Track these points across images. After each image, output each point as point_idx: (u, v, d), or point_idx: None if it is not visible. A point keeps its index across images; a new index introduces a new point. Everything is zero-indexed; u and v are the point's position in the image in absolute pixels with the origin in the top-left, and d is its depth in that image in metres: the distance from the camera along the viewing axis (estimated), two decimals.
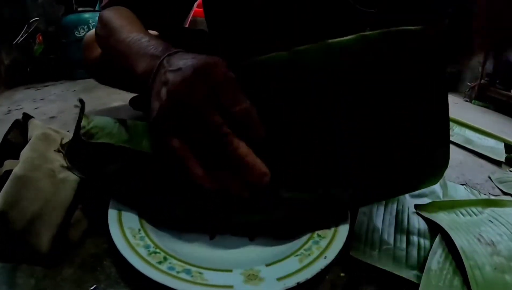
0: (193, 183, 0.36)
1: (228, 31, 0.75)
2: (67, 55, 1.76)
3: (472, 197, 0.71)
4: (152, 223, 0.45)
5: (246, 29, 0.71)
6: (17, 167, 0.43)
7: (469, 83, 2.45)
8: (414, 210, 0.58)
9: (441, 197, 0.66)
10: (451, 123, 1.32)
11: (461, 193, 0.71)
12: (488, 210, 0.64)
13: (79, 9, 1.74)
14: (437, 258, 0.46)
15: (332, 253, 0.39)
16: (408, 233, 0.51)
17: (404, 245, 0.48)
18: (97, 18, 1.66)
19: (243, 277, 0.36)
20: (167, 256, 0.39)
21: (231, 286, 0.35)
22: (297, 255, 0.39)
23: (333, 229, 0.43)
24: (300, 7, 0.63)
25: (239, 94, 0.37)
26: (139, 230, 0.43)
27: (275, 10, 0.65)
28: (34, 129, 0.50)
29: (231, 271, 0.37)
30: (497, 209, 0.66)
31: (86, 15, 1.71)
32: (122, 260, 0.38)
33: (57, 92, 1.49)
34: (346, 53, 0.36)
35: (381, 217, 0.54)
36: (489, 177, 0.87)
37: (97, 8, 1.79)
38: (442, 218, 0.56)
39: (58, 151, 0.48)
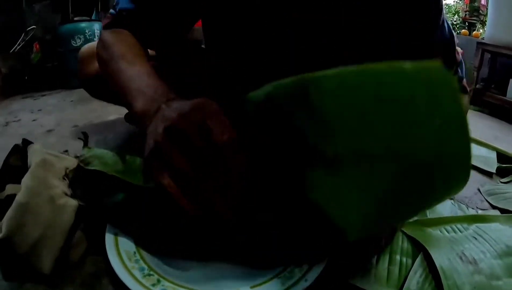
0: (181, 211, 0.40)
1: (225, 47, 0.78)
2: (63, 64, 1.81)
3: (459, 212, 0.75)
4: (146, 249, 0.49)
5: (242, 46, 0.74)
6: (19, 195, 0.47)
7: None
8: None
9: (427, 214, 0.70)
10: None
11: (447, 208, 0.75)
12: (474, 227, 0.68)
13: (75, 18, 1.79)
14: (416, 278, 0.50)
15: (312, 276, 0.43)
16: (391, 252, 0.55)
17: (386, 265, 0.52)
18: (93, 27, 1.71)
19: None
20: (160, 279, 0.44)
21: None
22: (280, 277, 0.44)
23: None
24: (295, 29, 0.67)
25: (227, 125, 0.42)
26: (134, 253, 0.48)
27: (271, 30, 0.68)
28: (34, 155, 0.54)
29: None
30: (483, 225, 0.70)
31: (82, 24, 1.77)
32: (119, 280, 0.43)
33: (54, 102, 1.53)
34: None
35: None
36: (479, 190, 0.92)
37: (93, 17, 1.85)
38: (426, 236, 0.60)
39: (63, 179, 0.52)
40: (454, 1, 3.45)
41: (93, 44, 0.91)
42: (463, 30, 2.93)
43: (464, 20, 3.12)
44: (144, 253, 0.48)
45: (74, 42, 1.74)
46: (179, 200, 0.40)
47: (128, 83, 0.53)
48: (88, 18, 1.82)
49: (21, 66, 1.91)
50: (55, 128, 1.13)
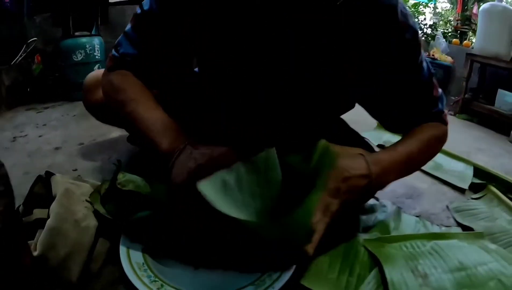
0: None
1: (217, 75, 0.85)
2: (65, 78, 1.94)
3: (422, 230, 0.88)
4: (152, 255, 0.64)
5: (233, 75, 0.80)
6: (50, 220, 0.61)
7: (453, 98, 2.64)
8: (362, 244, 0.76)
9: (391, 230, 0.83)
10: None
11: (411, 226, 0.88)
12: (432, 243, 0.80)
13: (76, 33, 1.92)
14: (369, 287, 0.64)
15: (279, 283, 0.58)
16: (352, 264, 0.69)
17: (346, 276, 0.66)
18: (93, 42, 1.83)
19: None
20: (163, 283, 0.59)
21: None
22: (254, 284, 0.59)
23: None
24: (295, 30, 0.70)
25: None
26: (143, 263, 0.63)
27: (271, 32, 0.71)
28: (57, 185, 0.68)
29: None
30: (441, 242, 0.81)
31: (83, 39, 1.90)
32: (131, 286, 0.57)
33: (58, 116, 1.66)
34: None
35: (332, 249, 0.72)
36: (447, 207, 1.05)
37: (93, 32, 1.97)
38: (384, 251, 0.73)
39: (84, 202, 0.66)
40: (442, 9, 3.61)
41: (96, 73, 1.05)
42: (454, 40, 3.08)
43: (456, 29, 3.26)
44: (150, 263, 0.63)
45: (75, 57, 1.87)
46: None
47: (152, 127, 0.71)
48: (89, 33, 1.95)
49: (23, 78, 2.03)
50: (62, 146, 1.26)
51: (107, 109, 0.99)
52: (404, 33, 0.70)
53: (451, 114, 2.60)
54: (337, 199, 0.64)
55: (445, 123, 0.85)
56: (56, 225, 0.59)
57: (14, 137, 1.41)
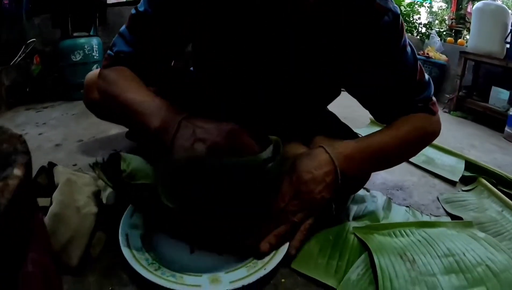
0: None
1: (216, 75, 0.87)
2: (64, 78, 1.97)
3: (412, 219, 0.91)
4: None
5: (233, 74, 0.82)
6: (52, 207, 0.64)
7: (447, 95, 2.69)
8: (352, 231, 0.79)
9: (380, 219, 0.87)
10: None
11: (401, 215, 0.91)
12: (421, 231, 0.84)
13: (75, 34, 1.95)
14: (358, 271, 0.67)
15: (270, 266, 0.61)
16: (342, 250, 0.72)
17: (335, 260, 0.69)
18: (91, 43, 1.86)
19: (209, 280, 0.59)
20: (160, 266, 0.62)
21: (200, 285, 0.58)
22: (246, 266, 0.62)
23: None
24: (295, 29, 0.71)
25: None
26: (141, 247, 0.65)
27: (270, 32, 0.72)
28: (59, 175, 0.71)
29: (201, 275, 0.60)
30: (430, 230, 0.85)
31: (81, 40, 1.93)
32: (130, 269, 0.60)
33: (57, 116, 1.69)
34: None
35: (322, 237, 0.75)
36: (437, 198, 1.08)
37: (91, 33, 2.01)
38: (373, 238, 0.76)
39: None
40: (438, 8, 3.65)
41: (96, 72, 1.08)
42: (448, 38, 3.12)
43: (450, 28, 3.30)
44: (147, 247, 0.65)
45: (74, 57, 1.90)
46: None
47: (140, 109, 0.69)
48: (87, 34, 1.98)
49: (23, 78, 2.06)
50: (62, 143, 1.29)
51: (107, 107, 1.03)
52: (383, 16, 0.68)
53: (445, 112, 2.64)
54: (302, 204, 0.67)
55: (433, 112, 0.80)
56: (58, 211, 0.63)
57: None
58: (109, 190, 0.77)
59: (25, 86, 2.06)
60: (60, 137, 1.36)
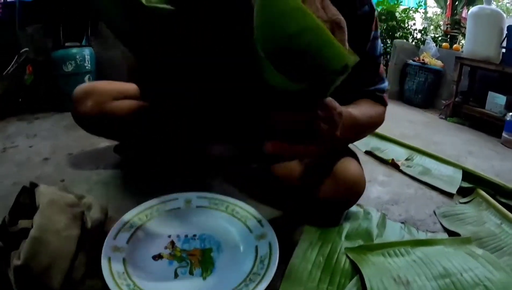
0: None
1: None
2: (56, 88, 1.95)
3: (407, 237, 0.89)
4: None
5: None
6: (33, 230, 0.61)
7: (443, 101, 2.67)
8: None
9: (374, 238, 0.84)
10: (412, 153, 1.51)
11: (396, 233, 0.89)
12: (416, 250, 0.81)
13: (67, 44, 1.93)
14: None
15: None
16: (333, 273, 0.69)
17: (326, 285, 0.66)
18: (83, 53, 1.85)
19: None
20: None
21: None
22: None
23: (262, 273, 0.62)
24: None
25: None
26: (123, 272, 0.63)
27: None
28: (41, 196, 0.68)
29: None
30: (426, 249, 0.82)
31: (73, 50, 1.91)
32: None
33: (48, 127, 1.67)
34: None
35: (312, 258, 0.72)
36: (434, 212, 1.06)
37: (83, 43, 1.98)
38: (366, 259, 0.74)
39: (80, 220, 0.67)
40: (433, 13, 3.65)
41: (85, 86, 1.08)
42: (444, 44, 3.11)
43: (446, 33, 3.30)
44: (130, 272, 0.63)
45: (66, 67, 1.88)
46: None
47: None
48: (79, 44, 1.96)
49: (15, 88, 2.04)
50: (51, 157, 1.26)
51: (94, 120, 1.01)
52: (364, 5, 0.76)
53: (442, 118, 2.63)
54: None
55: (385, 104, 0.90)
56: (38, 235, 0.60)
57: (4, 148, 1.41)
58: (94, 208, 0.75)
59: (17, 96, 2.04)
60: (49, 150, 1.33)
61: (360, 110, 0.76)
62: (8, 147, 1.42)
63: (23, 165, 1.21)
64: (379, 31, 0.87)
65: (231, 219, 0.80)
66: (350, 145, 1.35)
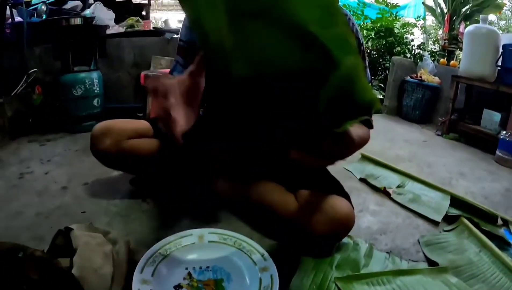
0: None
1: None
2: (65, 111, 2.10)
3: (390, 266, 1.04)
4: None
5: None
6: (74, 270, 0.77)
7: (440, 118, 2.83)
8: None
9: (361, 268, 1.00)
10: (404, 179, 1.67)
11: (381, 262, 1.04)
12: (397, 279, 0.97)
13: (75, 68, 2.08)
14: None
15: None
16: None
17: None
18: (92, 77, 2.01)
19: None
20: None
21: None
22: None
23: None
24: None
25: None
26: None
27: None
28: (77, 240, 0.84)
29: None
30: (405, 278, 0.98)
31: (82, 74, 2.07)
32: None
33: (61, 151, 1.83)
34: None
35: (307, 287, 0.88)
36: (418, 241, 1.21)
37: (92, 66, 2.13)
38: (353, 288, 0.90)
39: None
40: (431, 26, 3.81)
41: (104, 124, 1.22)
42: (441, 60, 3.27)
43: (443, 48, 3.46)
44: None
45: (75, 92, 2.04)
46: None
47: None
48: (88, 68, 2.11)
49: (25, 108, 2.18)
50: (68, 185, 1.42)
51: (112, 157, 1.17)
52: (359, 36, 1.01)
53: (438, 135, 2.78)
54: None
55: (371, 127, 1.08)
56: (80, 274, 0.76)
57: (21, 174, 1.56)
58: (119, 243, 0.91)
59: (27, 116, 2.18)
60: (65, 178, 1.49)
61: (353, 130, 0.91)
62: (24, 172, 1.57)
63: (43, 194, 1.36)
64: (366, 61, 1.10)
65: (238, 253, 0.96)
66: (346, 173, 1.54)
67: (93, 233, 0.91)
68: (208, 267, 0.92)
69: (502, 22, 8.11)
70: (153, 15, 6.36)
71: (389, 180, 1.66)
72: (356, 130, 0.91)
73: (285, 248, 1.06)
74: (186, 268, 0.90)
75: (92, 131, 1.23)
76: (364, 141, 1.01)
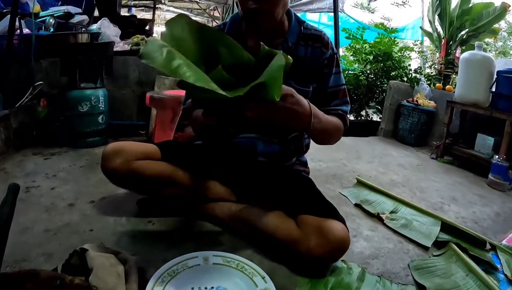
0: None
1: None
2: (70, 126, 2.19)
3: (381, 289, 1.13)
4: None
5: None
6: None
7: (435, 142, 2.94)
8: None
9: None
10: (397, 205, 1.76)
11: (371, 286, 1.13)
12: None
13: (82, 85, 2.17)
14: None
15: None
16: None
17: None
18: (97, 94, 2.14)
19: None
20: None
21: None
22: None
23: None
24: None
25: None
26: None
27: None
28: (92, 260, 0.92)
29: None
30: None
31: (88, 92, 2.16)
32: None
33: (66, 167, 1.90)
34: None
35: None
36: (408, 265, 1.29)
37: (98, 84, 2.23)
38: None
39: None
40: (428, 49, 3.94)
41: (115, 144, 1.31)
42: (437, 84, 3.39)
43: (440, 73, 3.59)
44: None
45: (81, 108, 2.12)
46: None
47: None
48: (94, 86, 2.20)
49: (30, 120, 2.27)
50: (75, 203, 1.50)
51: (121, 176, 1.26)
52: (328, 50, 1.30)
53: (433, 158, 2.89)
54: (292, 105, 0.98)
55: (346, 123, 1.32)
56: None
57: (27, 188, 1.63)
58: (129, 263, 0.99)
59: (32, 129, 2.27)
60: (72, 195, 1.56)
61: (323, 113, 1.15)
62: (30, 186, 1.65)
63: (50, 210, 1.43)
64: (340, 67, 1.36)
65: (240, 275, 1.04)
66: (342, 198, 1.65)
67: (106, 254, 0.99)
68: (212, 287, 0.99)
69: (499, 44, 8.35)
70: (157, 29, 6.52)
71: (382, 205, 1.75)
72: (330, 116, 1.22)
73: (284, 269, 1.15)
74: (192, 288, 0.98)
75: (104, 150, 1.31)
76: (338, 126, 1.27)
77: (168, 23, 0.92)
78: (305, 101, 1.03)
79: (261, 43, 0.92)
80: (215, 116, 0.95)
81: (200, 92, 0.81)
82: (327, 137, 1.24)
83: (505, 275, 1.29)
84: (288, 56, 0.86)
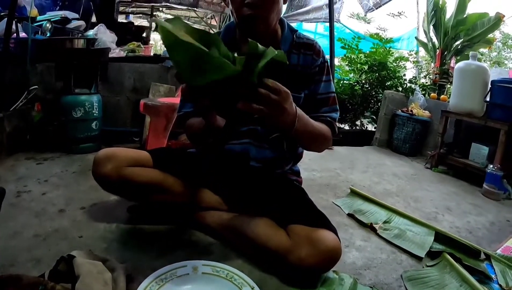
0: None
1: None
2: (64, 131, 2.17)
3: None
4: None
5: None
6: None
7: (429, 152, 2.94)
8: None
9: None
10: (391, 214, 1.75)
11: None
12: None
13: (76, 90, 2.16)
14: None
15: None
16: None
17: None
18: (92, 100, 2.12)
19: None
20: None
21: None
22: None
23: None
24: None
25: None
26: None
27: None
28: (79, 267, 0.90)
29: None
30: None
31: (82, 97, 2.15)
32: None
33: (57, 172, 1.88)
34: None
35: None
36: (401, 276, 1.28)
37: (92, 90, 2.22)
38: None
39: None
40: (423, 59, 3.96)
41: (107, 150, 1.30)
42: (432, 94, 3.41)
43: (434, 82, 3.60)
44: None
45: (75, 113, 2.11)
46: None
47: None
48: (88, 91, 2.19)
49: (23, 124, 2.25)
50: (66, 208, 1.48)
51: (112, 182, 1.24)
52: (319, 58, 1.32)
53: (427, 168, 2.89)
54: (279, 98, 0.94)
55: (335, 131, 1.32)
56: None
57: (18, 192, 1.61)
58: (117, 271, 0.97)
59: (25, 133, 2.25)
60: (63, 201, 1.54)
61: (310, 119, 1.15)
62: (21, 191, 1.63)
63: (40, 215, 1.41)
64: (330, 75, 1.37)
65: (230, 285, 1.02)
66: (335, 208, 1.64)
67: (93, 261, 0.97)
68: None
69: (494, 54, 8.42)
70: (154, 36, 6.52)
71: (376, 215, 1.74)
72: (318, 123, 1.22)
73: (274, 279, 1.13)
74: None
75: (96, 155, 1.30)
76: (325, 134, 1.25)
77: (167, 20, 0.91)
78: (293, 104, 1.03)
79: (249, 39, 0.90)
80: (210, 98, 0.94)
81: (200, 76, 0.84)
82: (313, 142, 1.23)
83: (500, 285, 1.28)
84: (283, 53, 0.90)
